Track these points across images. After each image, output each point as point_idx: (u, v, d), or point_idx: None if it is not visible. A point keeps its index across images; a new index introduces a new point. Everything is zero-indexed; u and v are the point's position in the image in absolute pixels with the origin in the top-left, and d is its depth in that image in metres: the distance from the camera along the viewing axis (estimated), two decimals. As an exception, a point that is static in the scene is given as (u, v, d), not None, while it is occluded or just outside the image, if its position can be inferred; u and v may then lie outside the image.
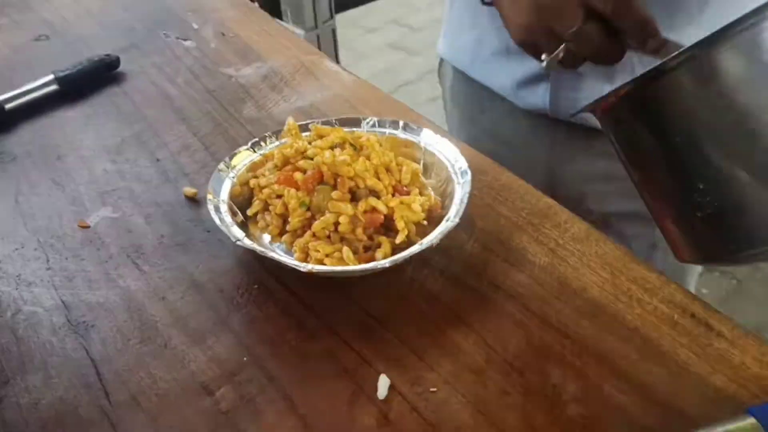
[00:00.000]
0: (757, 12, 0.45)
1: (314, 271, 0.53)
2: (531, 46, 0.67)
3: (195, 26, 0.89)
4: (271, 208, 0.58)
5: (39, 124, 0.76)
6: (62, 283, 0.58)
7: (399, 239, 0.55)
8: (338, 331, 0.52)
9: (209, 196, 0.60)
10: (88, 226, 0.63)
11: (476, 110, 0.92)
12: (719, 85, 0.48)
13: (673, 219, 0.49)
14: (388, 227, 0.56)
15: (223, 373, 0.50)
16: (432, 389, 0.48)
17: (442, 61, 1.05)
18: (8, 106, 0.76)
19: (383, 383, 0.48)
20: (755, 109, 0.48)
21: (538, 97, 0.81)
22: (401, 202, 0.56)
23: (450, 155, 0.62)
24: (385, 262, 0.53)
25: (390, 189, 0.57)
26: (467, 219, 0.60)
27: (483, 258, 0.57)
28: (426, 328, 0.52)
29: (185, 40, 0.87)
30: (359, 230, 0.55)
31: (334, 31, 1.95)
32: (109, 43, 0.84)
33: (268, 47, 0.85)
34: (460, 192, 0.59)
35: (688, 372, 0.48)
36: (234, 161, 0.63)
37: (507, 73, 0.85)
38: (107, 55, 0.82)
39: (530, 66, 0.80)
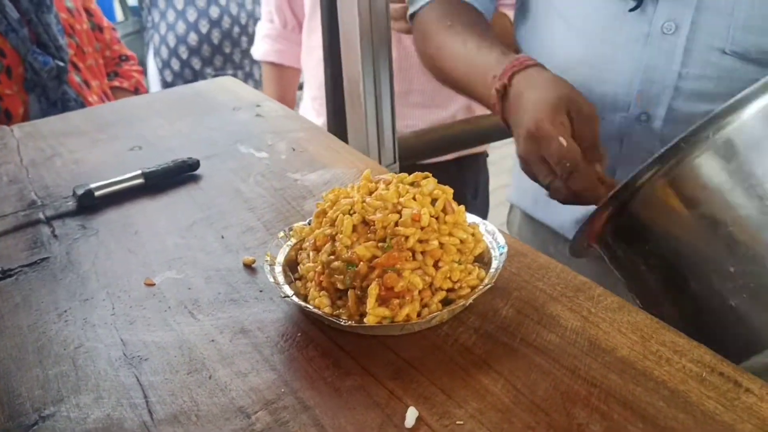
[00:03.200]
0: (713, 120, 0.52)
1: (354, 325, 0.57)
2: (530, 173, 0.77)
3: (270, 142, 0.99)
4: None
5: (123, 208, 0.84)
6: (123, 326, 0.63)
7: (457, 307, 0.58)
8: (372, 371, 0.55)
9: (266, 257, 0.65)
10: (154, 284, 0.68)
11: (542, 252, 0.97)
12: (687, 196, 0.54)
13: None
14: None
15: (261, 401, 0.53)
16: (459, 422, 0.49)
17: (511, 207, 1.12)
18: (98, 193, 0.85)
19: (411, 414, 0.50)
20: (726, 217, 0.53)
21: None
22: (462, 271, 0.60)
23: (489, 230, 0.66)
24: (421, 321, 0.56)
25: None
26: (504, 289, 0.63)
27: (517, 320, 0.59)
28: (456, 372, 0.54)
29: (259, 151, 0.97)
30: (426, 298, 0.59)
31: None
32: (193, 152, 0.94)
33: (333, 159, 0.93)
34: (496, 262, 0.62)
35: (714, 420, 0.48)
36: (294, 233, 0.68)
37: (567, 212, 0.92)
38: (189, 157, 0.92)
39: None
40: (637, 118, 0.91)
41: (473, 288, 0.60)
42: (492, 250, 0.64)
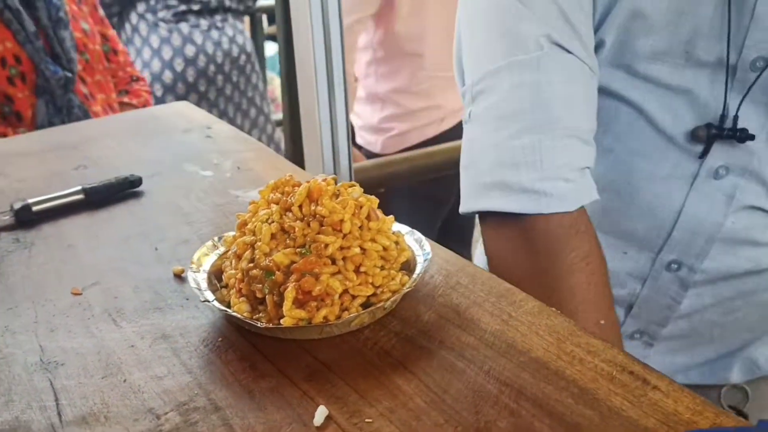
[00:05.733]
0: None
1: (271, 327, 0.57)
2: None
3: (216, 161, 1.00)
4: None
5: (60, 223, 0.84)
6: (44, 333, 0.62)
7: (376, 309, 0.58)
8: (288, 373, 0.54)
9: (191, 264, 0.65)
10: (80, 293, 0.68)
11: None
12: None
13: None
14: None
15: (172, 402, 0.52)
16: (368, 420, 0.49)
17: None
18: (35, 207, 0.85)
19: (320, 412, 0.49)
20: None
21: None
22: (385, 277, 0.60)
23: (416, 238, 0.67)
24: (338, 323, 0.57)
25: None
26: (429, 295, 0.63)
27: (438, 325, 0.59)
28: (371, 374, 0.54)
29: (204, 170, 0.97)
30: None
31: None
32: (138, 171, 0.94)
33: (276, 177, 0.94)
34: (420, 267, 0.63)
35: (620, 416, 0.48)
36: (224, 243, 0.68)
37: None
38: (131, 174, 0.92)
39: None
40: (667, 265, 0.84)
41: (395, 293, 0.60)
42: (418, 257, 0.65)
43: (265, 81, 2.88)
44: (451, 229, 2.12)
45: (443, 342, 0.57)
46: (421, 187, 1.91)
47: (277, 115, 2.84)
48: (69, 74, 1.62)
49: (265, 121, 2.71)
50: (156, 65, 2.43)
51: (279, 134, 2.69)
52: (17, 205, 0.84)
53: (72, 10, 1.72)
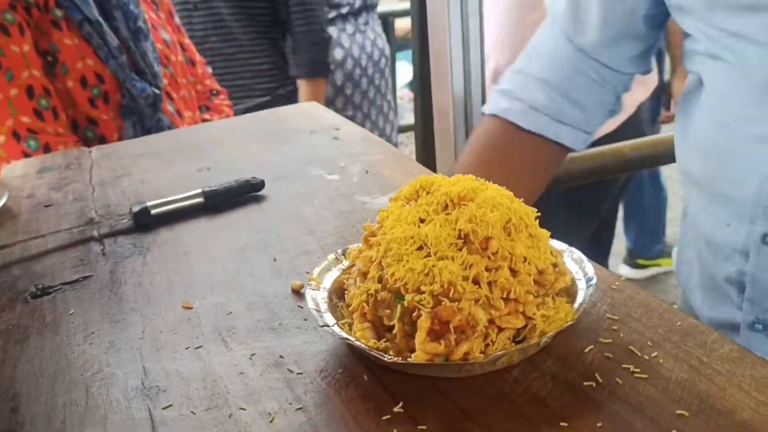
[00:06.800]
0: None
1: (399, 362, 0.47)
2: None
3: (342, 165, 0.92)
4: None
5: (178, 227, 0.78)
6: (149, 351, 0.55)
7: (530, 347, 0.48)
8: (419, 419, 0.45)
9: (310, 281, 0.57)
10: (191, 308, 0.61)
11: None
12: None
13: None
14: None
15: (282, 448, 0.44)
16: (520, 492, 0.38)
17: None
18: (154, 211, 0.80)
19: (460, 477, 0.39)
20: None
21: None
22: (544, 314, 0.49)
23: (575, 258, 0.55)
24: (483, 362, 0.46)
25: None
26: (592, 329, 0.52)
27: (605, 368, 0.48)
28: (523, 427, 0.43)
29: (330, 174, 0.90)
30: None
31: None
32: (261, 173, 0.88)
33: (407, 181, 0.85)
34: (582, 295, 0.51)
35: None
36: (349, 256, 0.60)
37: None
38: (253, 177, 0.85)
39: None
40: (762, 238, 0.75)
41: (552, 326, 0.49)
42: (578, 281, 0.53)
43: (394, 85, 2.84)
44: (590, 241, 1.95)
45: (614, 392, 0.45)
46: (569, 194, 1.73)
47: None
48: (157, 90, 1.46)
49: (392, 128, 2.67)
50: None
51: (401, 138, 2.62)
52: (136, 208, 0.80)
53: (151, 19, 1.55)
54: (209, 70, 1.80)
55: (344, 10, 2.44)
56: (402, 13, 3.47)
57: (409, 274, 0.48)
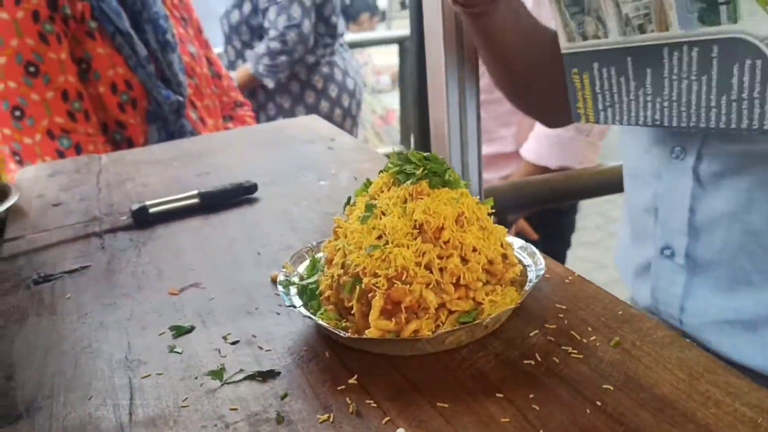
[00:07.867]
0: None
1: (355, 338, 0.52)
2: None
3: (333, 171, 0.97)
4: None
5: (174, 225, 0.84)
6: (135, 330, 0.60)
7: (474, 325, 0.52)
8: (370, 390, 0.49)
9: (283, 268, 0.61)
10: (177, 294, 0.66)
11: None
12: None
13: None
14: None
15: (244, 410, 0.48)
16: (451, 450, 0.42)
17: None
18: (152, 209, 0.85)
19: (398, 436, 0.44)
20: None
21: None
22: (492, 300, 0.54)
23: (530, 252, 0.59)
24: (430, 338, 0.50)
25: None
26: (540, 315, 0.56)
27: (546, 349, 0.52)
28: (462, 398, 0.47)
29: (321, 180, 0.95)
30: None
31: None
32: (256, 178, 0.93)
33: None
34: (530, 284, 0.56)
35: (766, 473, 0.38)
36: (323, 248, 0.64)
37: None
38: (247, 181, 0.91)
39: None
40: (670, 152, 0.77)
41: (498, 310, 0.53)
42: (530, 272, 0.58)
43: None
44: (550, 227, 1.98)
45: (550, 369, 0.49)
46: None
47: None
48: (180, 98, 1.56)
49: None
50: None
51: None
52: (135, 207, 0.85)
53: (179, 33, 1.66)
54: (234, 83, 1.89)
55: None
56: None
57: (367, 260, 0.52)
